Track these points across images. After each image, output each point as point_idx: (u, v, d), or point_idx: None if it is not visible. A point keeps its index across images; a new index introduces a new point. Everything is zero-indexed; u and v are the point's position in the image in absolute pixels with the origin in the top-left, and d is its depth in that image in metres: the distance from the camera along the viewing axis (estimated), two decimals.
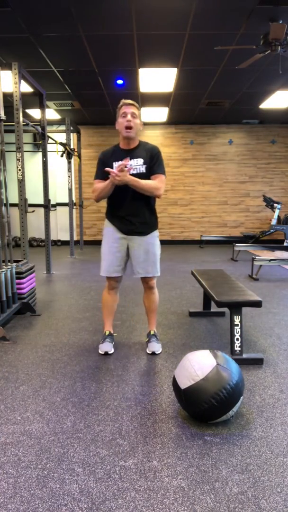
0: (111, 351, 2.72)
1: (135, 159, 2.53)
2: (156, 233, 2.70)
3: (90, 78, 6.01)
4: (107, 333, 2.83)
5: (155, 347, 2.73)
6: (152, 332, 2.85)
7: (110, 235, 2.67)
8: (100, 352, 2.71)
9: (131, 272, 2.70)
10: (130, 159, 2.50)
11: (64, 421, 1.89)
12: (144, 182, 2.48)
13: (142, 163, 2.53)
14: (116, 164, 2.52)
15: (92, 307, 3.92)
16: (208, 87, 6.43)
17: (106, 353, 2.70)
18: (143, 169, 2.53)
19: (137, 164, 2.52)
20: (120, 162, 2.46)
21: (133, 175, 2.49)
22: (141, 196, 2.54)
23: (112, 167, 2.51)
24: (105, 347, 2.71)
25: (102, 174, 2.59)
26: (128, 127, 2.47)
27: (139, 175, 2.51)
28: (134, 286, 4.48)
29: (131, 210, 2.58)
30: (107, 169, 2.43)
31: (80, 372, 2.44)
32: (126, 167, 2.38)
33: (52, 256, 6.26)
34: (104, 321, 2.88)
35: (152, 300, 2.82)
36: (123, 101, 2.51)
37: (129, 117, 2.46)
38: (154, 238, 2.68)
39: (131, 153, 2.54)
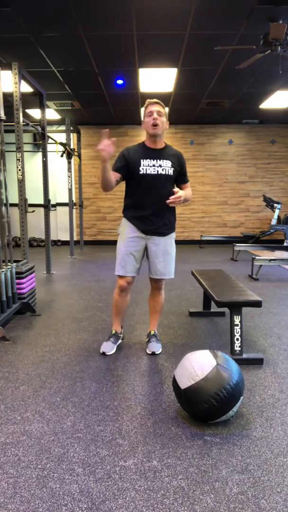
0: (110, 352, 2.68)
1: (164, 160, 2.52)
2: (173, 235, 2.71)
3: (90, 78, 6.01)
4: (113, 332, 2.80)
5: (155, 347, 2.73)
6: (152, 332, 2.86)
7: (128, 234, 2.62)
8: (100, 351, 2.70)
9: (149, 272, 2.69)
10: (159, 159, 2.52)
11: (64, 421, 1.89)
12: (188, 195, 2.58)
13: (170, 166, 2.53)
14: (144, 162, 2.48)
15: (92, 307, 3.92)
16: (208, 87, 6.43)
17: (104, 354, 2.66)
18: (171, 172, 2.54)
19: (166, 166, 2.52)
20: (148, 161, 2.49)
21: (161, 175, 2.51)
22: (168, 197, 2.44)
23: (140, 165, 2.48)
24: (105, 347, 2.70)
25: (120, 168, 2.49)
26: (155, 124, 2.45)
27: (166, 177, 2.53)
28: (135, 286, 4.47)
29: (156, 211, 2.56)
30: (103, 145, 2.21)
31: (80, 372, 2.44)
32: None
33: (52, 256, 6.26)
34: (113, 320, 2.85)
35: (158, 301, 2.82)
36: (149, 100, 2.50)
37: (155, 115, 2.45)
38: (172, 239, 2.69)
39: (159, 153, 2.54)
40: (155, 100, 2.50)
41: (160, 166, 2.51)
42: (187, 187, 2.68)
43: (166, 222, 2.62)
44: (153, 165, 2.50)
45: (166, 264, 2.66)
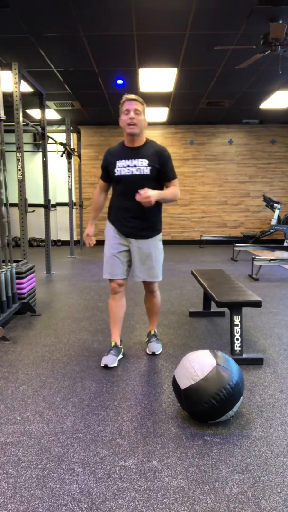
0: (113, 364, 2.49)
1: (139, 159, 2.39)
2: (159, 237, 2.58)
3: (90, 78, 6.01)
4: (113, 344, 2.61)
5: (155, 347, 2.73)
6: (152, 332, 2.85)
7: (111, 236, 2.56)
8: (101, 364, 2.50)
9: (131, 275, 2.63)
10: (134, 159, 2.39)
11: (64, 421, 1.89)
12: (169, 193, 2.44)
13: (146, 165, 2.38)
14: (119, 163, 2.42)
15: (92, 307, 3.92)
16: (208, 87, 6.43)
17: (106, 366, 2.48)
18: (147, 171, 2.38)
19: (141, 165, 2.38)
20: (123, 162, 2.41)
21: (136, 176, 2.39)
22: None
23: (115, 167, 2.43)
24: (106, 360, 2.49)
25: (104, 175, 2.56)
26: (131, 124, 2.33)
27: (142, 177, 2.39)
28: (134, 286, 4.48)
29: (135, 213, 2.45)
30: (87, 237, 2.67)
31: (80, 372, 2.44)
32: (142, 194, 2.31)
33: (52, 256, 6.26)
34: (110, 330, 2.69)
35: (153, 303, 2.75)
36: (126, 96, 2.36)
37: (132, 114, 2.32)
38: (157, 242, 2.56)
39: (135, 152, 2.41)
40: (132, 96, 2.34)
41: (135, 166, 2.38)
42: (173, 184, 2.49)
43: (148, 225, 2.49)
44: (128, 166, 2.39)
45: (149, 268, 2.53)
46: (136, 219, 2.47)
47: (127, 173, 2.40)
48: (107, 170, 2.50)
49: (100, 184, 2.63)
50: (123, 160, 2.41)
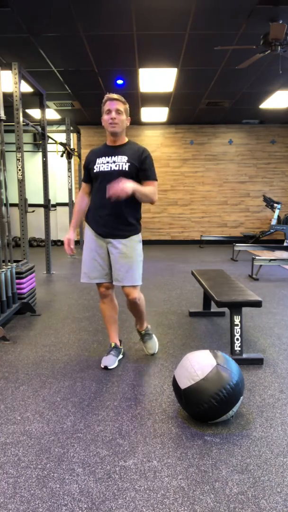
0: (113, 365, 2.48)
1: (120, 156, 2.35)
2: (137, 238, 2.45)
3: (90, 78, 6.01)
4: (112, 345, 2.58)
5: (152, 347, 2.68)
6: (143, 332, 2.69)
7: (88, 238, 2.47)
8: (101, 365, 2.49)
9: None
10: (114, 155, 2.36)
11: (64, 421, 1.89)
12: (147, 190, 2.33)
13: (125, 161, 2.34)
14: (99, 160, 2.38)
15: (92, 307, 3.92)
16: (208, 87, 6.43)
17: (105, 368, 2.46)
18: (125, 167, 2.33)
19: (120, 161, 2.33)
20: (103, 159, 2.37)
21: (114, 171, 2.34)
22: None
23: (95, 163, 2.40)
24: (106, 361, 2.48)
25: (86, 176, 2.50)
26: (112, 124, 2.31)
27: (120, 173, 2.32)
28: None
29: (112, 210, 2.36)
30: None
31: (80, 372, 2.44)
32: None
33: (52, 256, 6.26)
34: (108, 332, 2.66)
35: (137, 309, 2.55)
36: (107, 95, 2.33)
37: (113, 114, 2.29)
38: (135, 242, 2.43)
39: (115, 150, 2.39)
40: (114, 96, 2.32)
41: (114, 162, 2.34)
42: (149, 185, 2.39)
43: (124, 223, 2.39)
44: (107, 162, 2.36)
45: (126, 270, 2.38)
46: (112, 217, 2.38)
47: (106, 169, 2.36)
48: (88, 169, 2.46)
49: (82, 187, 2.55)
50: (103, 157, 2.38)
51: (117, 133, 2.36)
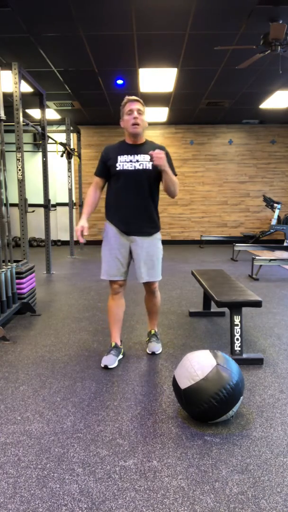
0: (113, 365, 2.49)
1: (142, 155, 2.41)
2: (159, 235, 2.58)
3: (90, 78, 6.01)
4: (113, 344, 2.61)
5: (155, 347, 2.73)
6: (152, 332, 2.84)
7: (110, 236, 2.52)
8: (101, 365, 2.50)
9: (134, 276, 2.60)
10: (137, 154, 2.42)
11: (64, 421, 1.89)
12: (174, 177, 2.41)
13: (149, 160, 2.40)
14: (121, 158, 2.42)
15: (92, 307, 3.92)
16: (208, 87, 6.43)
17: (106, 367, 2.47)
18: (149, 165, 2.40)
19: (144, 160, 2.40)
20: (125, 157, 2.41)
21: (138, 170, 2.40)
22: (147, 195, 2.46)
23: (117, 161, 2.42)
24: (106, 360, 2.50)
25: (101, 171, 2.52)
26: (135, 124, 2.37)
27: (144, 172, 2.40)
28: (134, 286, 4.48)
29: (137, 209, 2.45)
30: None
31: (80, 372, 2.44)
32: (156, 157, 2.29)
33: (52, 256, 6.26)
34: (110, 330, 2.68)
35: (154, 303, 2.73)
36: (128, 97, 2.41)
37: (135, 113, 2.36)
38: (157, 240, 2.56)
39: (137, 149, 2.44)
40: (134, 97, 2.39)
41: (138, 161, 2.40)
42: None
43: (148, 221, 2.49)
44: (130, 161, 2.40)
45: (151, 268, 2.52)
46: (137, 215, 2.46)
47: (130, 168, 2.40)
48: (106, 165, 2.47)
49: (95, 181, 2.56)
50: (126, 155, 2.42)
51: (139, 134, 2.43)
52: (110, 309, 2.63)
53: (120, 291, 2.61)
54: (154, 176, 2.43)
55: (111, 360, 2.50)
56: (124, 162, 2.41)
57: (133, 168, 2.40)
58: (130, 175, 2.41)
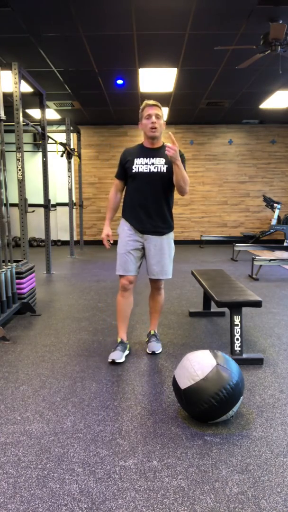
0: (120, 360, 2.56)
1: (158, 158, 2.52)
2: (172, 235, 2.67)
3: (90, 78, 6.01)
4: (119, 340, 2.68)
5: (155, 347, 2.73)
6: (152, 332, 2.86)
7: (126, 234, 2.62)
8: (108, 360, 2.57)
9: (146, 272, 2.69)
10: (152, 157, 2.52)
11: (64, 421, 1.89)
12: (186, 174, 2.47)
13: (163, 163, 2.51)
14: (137, 161, 2.54)
15: (92, 307, 3.92)
16: (208, 87, 6.43)
17: (113, 361, 2.54)
18: (164, 168, 2.51)
19: (159, 163, 2.51)
20: (141, 160, 2.52)
21: (153, 173, 2.51)
22: (161, 197, 2.55)
23: (133, 164, 2.54)
24: (113, 355, 2.56)
25: (120, 173, 2.65)
26: (153, 128, 2.48)
27: (158, 175, 2.51)
28: (136, 286, 4.48)
29: (151, 209, 2.56)
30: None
31: (80, 372, 2.44)
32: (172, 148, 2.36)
33: (52, 256, 6.26)
34: (118, 327, 2.74)
35: (158, 300, 2.81)
36: (146, 102, 2.51)
37: (153, 118, 2.46)
38: (170, 239, 2.66)
39: (154, 152, 2.54)
40: (153, 102, 2.50)
41: (153, 164, 2.51)
42: None
43: (162, 221, 2.59)
44: (146, 164, 2.52)
45: (163, 265, 2.62)
46: (151, 215, 2.57)
47: (145, 170, 2.52)
48: (124, 167, 2.59)
49: (115, 184, 2.70)
50: (142, 158, 2.54)
51: (156, 137, 2.53)
52: (119, 306, 2.70)
53: (130, 288, 2.68)
54: (168, 178, 2.52)
55: (118, 355, 2.58)
56: (140, 165, 2.53)
57: (148, 170, 2.51)
58: (145, 177, 2.52)
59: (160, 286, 2.76)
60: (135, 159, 2.55)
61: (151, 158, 2.52)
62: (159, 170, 2.51)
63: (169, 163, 2.48)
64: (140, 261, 2.66)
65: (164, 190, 2.54)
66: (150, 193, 2.54)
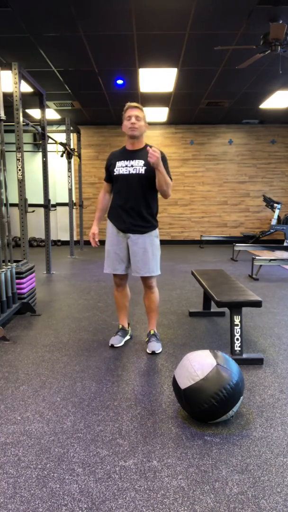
0: (118, 344, 2.83)
1: (137, 160, 2.61)
2: (155, 233, 2.72)
3: (90, 78, 6.01)
4: (120, 326, 2.94)
5: (155, 346, 2.74)
6: (152, 332, 2.87)
7: (110, 233, 2.75)
8: (109, 344, 2.84)
9: (131, 270, 2.77)
10: (132, 159, 2.62)
11: (64, 421, 1.89)
12: (168, 178, 2.54)
13: (142, 165, 2.59)
14: (118, 164, 2.64)
15: (92, 307, 3.92)
16: (208, 87, 6.43)
17: (112, 346, 2.81)
18: (142, 170, 2.59)
19: (137, 165, 2.60)
20: (122, 162, 2.63)
21: (132, 175, 2.60)
22: (140, 197, 2.63)
23: (115, 167, 2.66)
24: (113, 340, 2.84)
25: (106, 176, 2.78)
26: (133, 128, 2.56)
27: (137, 176, 2.59)
28: (134, 286, 4.48)
29: (130, 209, 2.64)
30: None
31: (80, 372, 2.44)
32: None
33: (52, 256, 6.26)
34: (118, 315, 3.00)
35: (152, 299, 2.83)
36: (128, 104, 2.60)
37: (133, 119, 2.55)
38: (153, 237, 2.70)
39: (133, 154, 2.64)
40: (134, 104, 2.60)
41: (132, 166, 2.61)
42: None
43: (143, 220, 2.66)
44: (126, 166, 2.62)
45: (146, 263, 2.67)
46: (131, 215, 2.65)
47: (125, 172, 2.62)
48: (109, 170, 2.72)
49: (104, 186, 2.84)
50: (123, 161, 2.65)
51: (136, 137, 2.62)
52: (116, 299, 2.94)
53: (122, 284, 2.86)
54: (147, 179, 2.60)
55: (117, 340, 2.83)
56: (120, 167, 2.64)
57: (127, 172, 2.62)
58: (124, 179, 2.63)
59: (151, 285, 2.78)
60: (117, 162, 2.66)
61: (131, 160, 2.62)
62: (137, 172, 2.59)
63: (148, 164, 2.55)
64: (127, 260, 2.75)
65: (143, 191, 2.62)
66: (130, 194, 2.62)
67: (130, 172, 2.60)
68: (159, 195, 2.73)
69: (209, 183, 9.39)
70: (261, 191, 9.38)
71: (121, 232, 2.69)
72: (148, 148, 2.44)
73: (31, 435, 1.77)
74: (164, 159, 2.56)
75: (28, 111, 7.68)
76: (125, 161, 2.63)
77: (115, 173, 2.65)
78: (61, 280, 5.27)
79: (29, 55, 5.14)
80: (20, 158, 4.16)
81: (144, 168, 2.58)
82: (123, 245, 2.71)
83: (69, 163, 7.16)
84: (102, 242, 2.92)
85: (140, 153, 2.63)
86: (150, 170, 2.55)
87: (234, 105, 7.52)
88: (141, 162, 2.60)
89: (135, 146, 2.66)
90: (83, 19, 4.17)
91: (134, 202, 2.62)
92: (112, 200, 2.76)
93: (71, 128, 7.40)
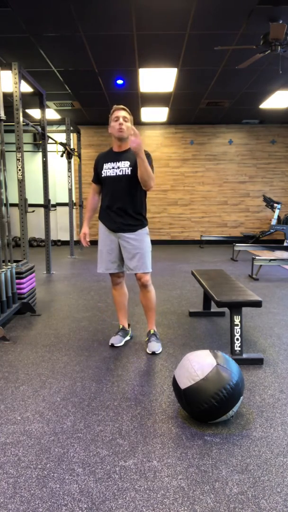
0: (118, 344, 2.85)
1: (123, 161, 2.64)
2: (145, 231, 2.75)
3: (90, 78, 6.01)
4: (120, 327, 2.96)
5: (155, 346, 2.74)
6: (152, 332, 2.87)
7: (102, 234, 2.80)
8: (109, 344, 2.87)
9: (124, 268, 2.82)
10: (118, 161, 2.65)
11: (64, 421, 1.89)
12: (149, 168, 2.55)
13: (128, 166, 2.63)
14: (106, 165, 2.69)
15: (92, 307, 3.92)
16: (208, 87, 6.43)
17: (112, 345, 2.84)
18: (128, 171, 2.62)
19: (124, 166, 2.63)
20: (109, 164, 2.68)
21: (119, 176, 2.64)
22: (127, 197, 2.66)
23: (102, 168, 2.71)
24: (113, 340, 2.86)
25: (95, 178, 2.83)
26: (120, 129, 2.60)
27: (123, 177, 2.63)
28: (133, 286, 4.48)
29: (118, 209, 2.68)
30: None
31: (80, 372, 2.44)
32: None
33: (52, 256, 6.26)
34: (117, 316, 3.03)
35: (148, 298, 2.83)
36: (115, 106, 2.65)
37: (121, 120, 2.59)
38: (143, 235, 2.73)
39: (120, 156, 2.67)
40: (121, 106, 2.64)
41: (119, 167, 2.65)
42: None
43: (131, 220, 2.70)
44: (113, 167, 2.67)
45: (138, 259, 2.71)
46: (120, 214, 2.69)
47: (112, 174, 2.67)
48: (97, 172, 2.77)
49: (93, 187, 2.88)
50: (110, 163, 2.69)
51: (123, 138, 2.65)
52: (114, 298, 2.98)
53: (119, 282, 2.91)
54: (134, 180, 2.63)
55: (117, 340, 2.86)
56: (108, 169, 2.69)
57: (114, 174, 2.66)
58: (112, 180, 2.68)
59: (147, 283, 2.78)
60: (104, 164, 2.71)
61: (117, 162, 2.66)
62: (124, 173, 2.63)
63: (134, 165, 2.59)
64: (120, 258, 2.79)
65: (130, 191, 2.65)
66: (118, 194, 2.67)
67: (117, 174, 2.65)
68: (149, 194, 2.76)
69: (209, 183, 9.39)
70: (261, 191, 9.38)
71: (112, 232, 2.73)
72: (130, 136, 2.48)
73: (31, 435, 1.77)
74: (148, 155, 2.59)
75: (28, 111, 7.68)
76: (112, 162, 2.67)
77: (102, 175, 2.70)
78: (61, 280, 5.27)
79: (29, 55, 5.14)
80: (20, 158, 4.16)
81: (130, 169, 2.62)
82: (115, 245, 2.75)
83: (69, 163, 7.16)
84: (93, 243, 2.97)
85: (126, 154, 2.67)
86: (136, 170, 2.58)
87: (234, 105, 7.52)
88: (127, 163, 2.63)
89: (122, 148, 2.69)
90: (83, 19, 4.17)
91: (122, 203, 2.66)
92: (101, 201, 2.81)
93: (71, 128, 7.40)
